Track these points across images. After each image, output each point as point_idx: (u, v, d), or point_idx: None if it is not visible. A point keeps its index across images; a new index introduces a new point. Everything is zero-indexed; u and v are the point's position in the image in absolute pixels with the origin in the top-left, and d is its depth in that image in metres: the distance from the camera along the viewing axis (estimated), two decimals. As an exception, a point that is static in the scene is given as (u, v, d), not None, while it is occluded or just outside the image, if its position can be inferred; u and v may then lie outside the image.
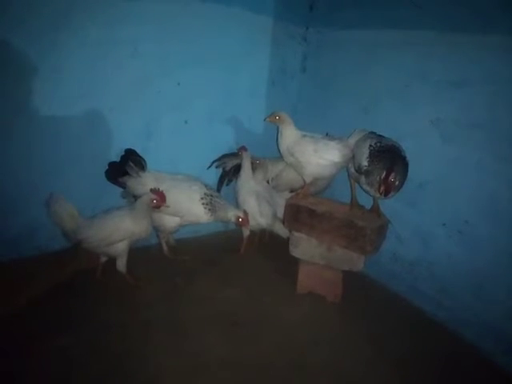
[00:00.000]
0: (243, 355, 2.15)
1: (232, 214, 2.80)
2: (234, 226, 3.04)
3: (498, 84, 2.23)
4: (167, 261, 2.97)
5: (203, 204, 2.72)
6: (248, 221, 2.83)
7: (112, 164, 2.69)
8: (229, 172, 3.23)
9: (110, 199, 2.75)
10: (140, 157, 2.73)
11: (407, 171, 2.31)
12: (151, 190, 2.51)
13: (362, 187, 2.53)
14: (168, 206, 2.53)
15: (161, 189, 2.54)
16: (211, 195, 2.77)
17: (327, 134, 3.00)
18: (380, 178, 2.25)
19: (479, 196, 2.36)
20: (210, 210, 2.74)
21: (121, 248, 2.50)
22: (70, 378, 1.91)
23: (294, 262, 2.75)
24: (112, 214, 2.48)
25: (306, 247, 2.64)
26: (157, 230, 2.92)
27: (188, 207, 2.73)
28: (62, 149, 2.68)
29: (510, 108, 2.20)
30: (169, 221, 2.80)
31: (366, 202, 2.68)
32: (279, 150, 2.79)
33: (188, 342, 2.21)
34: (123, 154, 2.69)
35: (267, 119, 2.75)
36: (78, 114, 2.67)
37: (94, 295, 2.51)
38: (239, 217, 2.79)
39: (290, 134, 2.70)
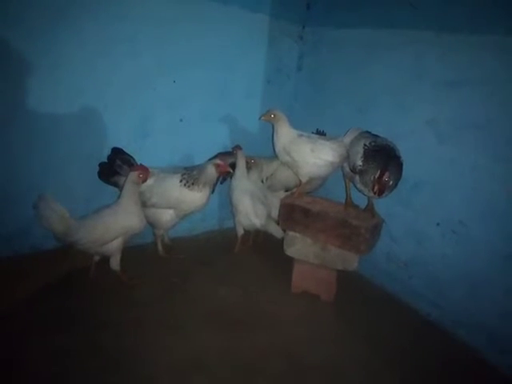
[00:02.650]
0: (239, 354, 2.15)
1: (210, 167, 2.74)
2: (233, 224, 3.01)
3: (494, 84, 2.24)
4: (162, 260, 2.96)
5: (184, 185, 2.71)
6: (227, 165, 2.78)
7: (102, 164, 2.71)
8: (223, 171, 3.22)
9: (106, 198, 2.70)
10: (128, 155, 2.74)
11: (401, 171, 2.31)
12: (132, 168, 2.56)
13: (356, 186, 2.53)
14: (153, 174, 2.64)
15: (149, 183, 2.63)
16: (187, 172, 2.75)
17: (317, 130, 3.01)
18: (374, 177, 2.25)
19: (474, 196, 2.36)
20: (192, 184, 2.71)
21: (115, 246, 2.48)
22: (68, 377, 1.90)
23: (289, 262, 2.74)
24: (102, 212, 2.45)
25: (300, 246, 2.63)
26: (153, 227, 2.91)
27: (172, 195, 2.71)
28: (58, 147, 2.67)
29: (507, 109, 2.20)
30: (163, 214, 2.80)
31: (361, 201, 2.69)
32: (274, 149, 2.78)
33: (185, 340, 2.21)
34: (110, 153, 2.71)
35: (262, 117, 2.74)
36: (74, 112, 2.66)
37: (89, 294, 2.50)
38: (217, 164, 2.73)
39: (285, 133, 2.69)
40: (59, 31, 2.46)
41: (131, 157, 2.75)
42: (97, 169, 2.70)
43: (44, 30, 2.42)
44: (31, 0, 2.36)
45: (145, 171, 2.50)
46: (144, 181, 2.52)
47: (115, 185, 2.74)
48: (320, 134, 3.00)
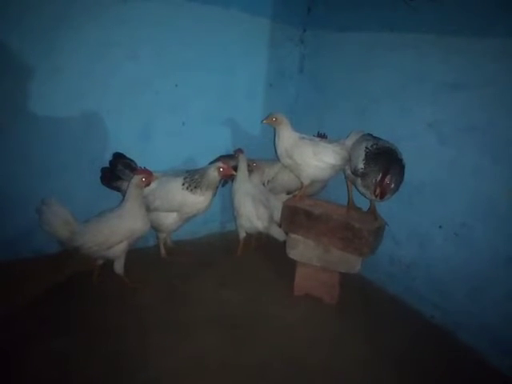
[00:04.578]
0: (242, 356, 2.16)
1: (212, 170, 2.73)
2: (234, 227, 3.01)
3: (495, 86, 2.24)
4: (165, 263, 2.97)
5: (187, 188, 2.71)
6: (230, 168, 2.77)
7: (104, 169, 2.72)
8: (225, 173, 3.22)
9: (109, 201, 2.71)
10: (129, 159, 2.75)
11: (403, 174, 2.32)
12: (135, 172, 2.56)
13: (358, 189, 2.53)
14: (157, 178, 2.62)
15: (152, 187, 2.63)
16: (189, 176, 2.75)
17: (318, 133, 3.01)
18: (376, 180, 2.25)
19: (476, 198, 2.36)
20: (195, 187, 2.71)
21: (120, 249, 2.49)
22: (69, 380, 1.91)
23: (291, 264, 2.74)
24: (107, 216, 2.46)
25: (303, 249, 2.64)
26: (156, 230, 2.92)
27: (175, 199, 2.72)
28: (60, 151, 2.68)
29: (507, 110, 2.21)
30: (166, 218, 2.81)
31: (364, 203, 2.69)
32: (276, 152, 2.78)
33: (187, 343, 2.21)
34: (111, 158, 2.72)
35: (264, 121, 2.75)
36: (75, 116, 2.67)
37: (92, 297, 2.50)
38: (220, 167, 2.72)
39: (287, 136, 2.69)
40: (59, 34, 2.47)
41: (132, 161, 2.76)
42: (99, 173, 2.72)
43: (44, 34, 2.44)
44: (31, 4, 2.37)
45: (148, 175, 2.50)
46: (147, 184, 2.52)
47: (117, 189, 2.75)
48: (321, 136, 3.01)
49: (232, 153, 3.14)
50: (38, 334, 2.15)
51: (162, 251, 3.00)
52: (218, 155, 3.15)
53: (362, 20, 2.94)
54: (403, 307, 2.73)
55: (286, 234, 2.81)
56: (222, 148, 3.27)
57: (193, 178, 2.73)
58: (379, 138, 2.50)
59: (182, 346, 2.18)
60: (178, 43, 2.89)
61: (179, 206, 2.74)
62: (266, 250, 3.28)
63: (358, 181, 2.45)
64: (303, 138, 2.69)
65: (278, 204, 2.97)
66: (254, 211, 2.94)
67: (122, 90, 2.77)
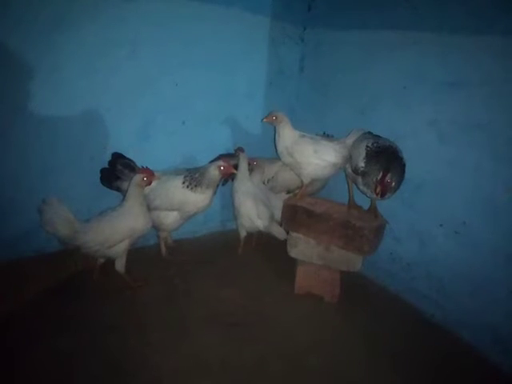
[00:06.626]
0: (242, 355, 2.16)
1: (212, 169, 2.72)
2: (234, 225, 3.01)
3: (495, 85, 2.24)
4: (165, 261, 2.97)
5: (187, 187, 2.70)
6: (231, 166, 2.76)
7: (103, 170, 2.72)
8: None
9: (108, 201, 2.73)
10: (128, 159, 2.75)
11: (404, 172, 2.31)
12: (138, 170, 2.57)
13: (358, 188, 2.53)
14: (159, 178, 2.60)
15: (152, 186, 2.62)
16: (189, 174, 2.75)
17: (324, 133, 3.01)
18: (376, 179, 2.25)
19: (476, 197, 2.36)
20: (195, 186, 2.70)
21: (121, 248, 2.49)
22: (69, 379, 1.92)
23: (292, 263, 2.75)
24: (108, 214, 2.46)
25: (303, 248, 2.64)
26: (157, 229, 2.93)
27: (175, 197, 2.72)
28: (60, 150, 2.68)
29: (507, 108, 2.20)
30: (166, 217, 2.81)
31: (364, 202, 2.69)
32: (276, 151, 2.78)
33: (187, 342, 2.22)
34: (110, 158, 2.72)
35: (264, 119, 2.75)
36: (75, 115, 2.67)
37: (93, 296, 2.51)
38: (220, 166, 2.72)
39: (287, 134, 2.69)
40: (59, 34, 2.47)
41: (131, 160, 2.76)
42: (98, 173, 2.72)
43: (44, 33, 2.43)
44: (31, 3, 2.36)
45: (150, 174, 2.50)
46: (149, 184, 2.52)
47: (118, 189, 2.76)
48: (327, 137, 2.99)
49: (232, 151, 3.14)
50: (39, 333, 2.16)
51: (163, 250, 3.01)
52: (219, 154, 3.15)
53: (362, 18, 2.93)
54: (404, 306, 2.74)
55: (287, 232, 2.81)
56: (223, 147, 3.27)
57: (193, 177, 2.73)
58: (379, 137, 2.50)
59: (183, 345, 2.19)
60: (178, 42, 2.88)
61: (179, 204, 2.74)
62: (267, 249, 3.27)
63: (359, 179, 2.45)
64: (304, 136, 2.69)
65: (278, 203, 2.96)
66: (254, 210, 2.94)
67: (122, 89, 2.77)
